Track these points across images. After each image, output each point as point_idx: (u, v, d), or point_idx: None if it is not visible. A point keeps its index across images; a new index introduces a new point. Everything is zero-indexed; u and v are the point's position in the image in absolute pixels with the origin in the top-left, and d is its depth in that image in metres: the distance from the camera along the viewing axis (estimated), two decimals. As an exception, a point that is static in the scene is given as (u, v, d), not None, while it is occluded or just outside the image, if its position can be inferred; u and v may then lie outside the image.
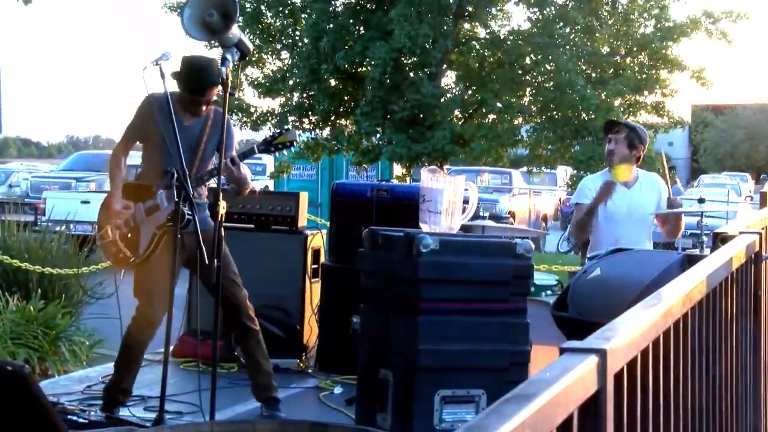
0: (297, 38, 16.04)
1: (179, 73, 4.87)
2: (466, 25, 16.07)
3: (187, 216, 4.64)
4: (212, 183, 5.16)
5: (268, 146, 4.94)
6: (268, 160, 23.88)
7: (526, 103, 15.91)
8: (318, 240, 6.79)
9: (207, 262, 4.46)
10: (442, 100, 15.24)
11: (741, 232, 3.29)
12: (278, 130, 5.00)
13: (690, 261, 4.10)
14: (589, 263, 4.98)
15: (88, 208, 12.27)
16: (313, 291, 6.64)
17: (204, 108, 4.93)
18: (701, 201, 5.87)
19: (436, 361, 4.22)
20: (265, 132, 16.26)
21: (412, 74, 15.19)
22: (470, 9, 15.46)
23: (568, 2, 15.25)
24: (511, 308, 4.38)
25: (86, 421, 4.70)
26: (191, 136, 4.87)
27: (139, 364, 5.06)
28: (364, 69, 15.40)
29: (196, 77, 4.79)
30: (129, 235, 4.91)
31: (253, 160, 33.76)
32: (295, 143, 5.08)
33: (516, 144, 15.90)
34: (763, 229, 3.59)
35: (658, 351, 1.91)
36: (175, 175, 4.71)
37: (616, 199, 5.62)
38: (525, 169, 18.39)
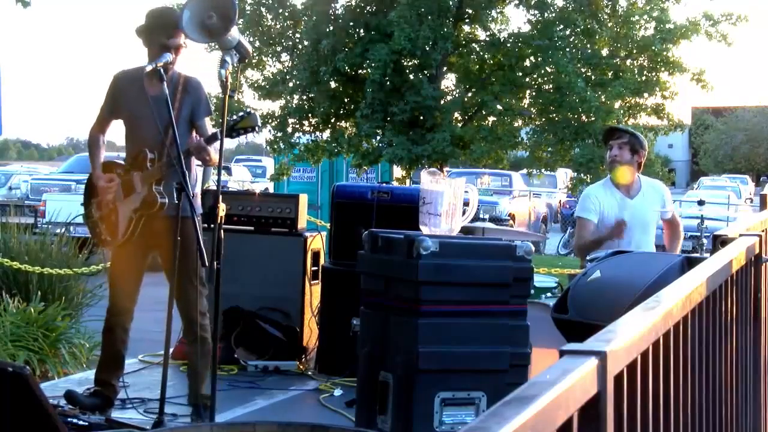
0: (297, 40, 16.03)
1: (144, 27, 4.86)
2: (466, 28, 16.06)
3: (159, 200, 4.65)
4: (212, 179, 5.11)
5: (230, 131, 4.79)
6: (268, 163, 23.90)
7: (526, 106, 15.90)
8: (318, 242, 6.79)
9: (207, 264, 4.45)
10: (442, 102, 15.24)
11: (741, 235, 3.29)
12: (240, 114, 4.85)
13: (690, 263, 4.10)
14: (589, 265, 4.98)
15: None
16: (313, 293, 6.65)
17: (173, 57, 4.84)
18: (701, 203, 5.88)
19: (436, 364, 4.22)
20: (266, 134, 16.28)
21: (412, 76, 15.19)
22: (470, 11, 15.46)
23: (568, 5, 15.25)
24: (511, 310, 4.38)
25: (86, 423, 4.70)
26: (160, 106, 4.70)
27: (113, 355, 5.03)
28: (364, 71, 15.39)
29: (159, 21, 4.78)
30: (109, 215, 4.92)
31: (253, 163, 33.58)
32: (257, 128, 4.96)
33: (516, 146, 15.89)
34: (763, 231, 3.59)
35: (658, 353, 1.91)
36: (149, 156, 4.72)
37: (618, 209, 5.63)
38: (525, 171, 18.38)
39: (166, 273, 4.85)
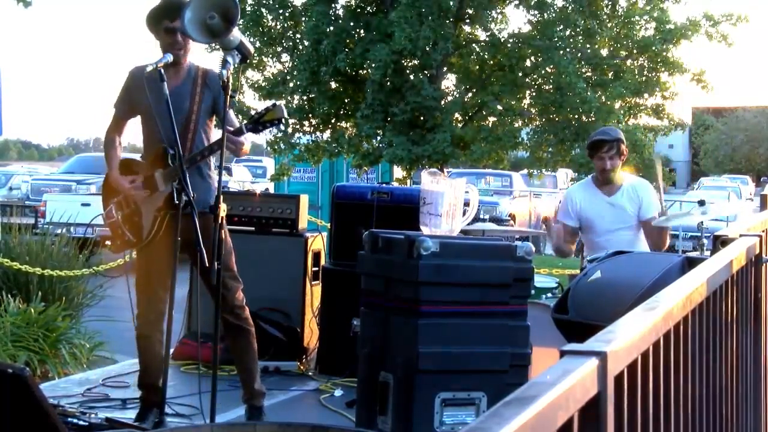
0: (297, 41, 16.05)
1: (149, 16, 4.80)
2: (467, 28, 16.08)
3: (184, 198, 4.59)
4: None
5: (256, 124, 4.77)
6: (269, 163, 23.90)
7: (526, 106, 15.92)
8: (318, 242, 6.79)
9: (207, 264, 4.44)
10: (443, 102, 15.25)
11: (741, 235, 3.29)
12: (265, 107, 4.81)
13: (690, 263, 4.10)
14: (590, 266, 4.98)
15: (89, 210, 12.31)
16: (314, 293, 6.65)
17: (185, 47, 4.80)
18: (701, 203, 5.87)
19: (436, 364, 4.21)
20: (266, 135, 16.29)
21: (412, 77, 15.20)
22: (470, 12, 15.47)
23: (568, 5, 15.26)
24: (511, 311, 4.38)
25: (86, 423, 4.70)
26: (180, 101, 4.71)
27: (154, 358, 4.89)
28: (364, 71, 15.40)
29: (163, 6, 4.75)
30: (131, 216, 4.83)
31: (254, 163, 33.37)
32: (283, 120, 4.88)
33: (516, 146, 15.90)
34: (763, 231, 3.60)
35: (658, 353, 1.91)
36: (169, 153, 4.67)
37: (598, 210, 5.68)
38: (525, 171, 18.38)
39: (197, 269, 4.75)
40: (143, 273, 4.89)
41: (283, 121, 4.96)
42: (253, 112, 4.75)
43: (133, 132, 5.10)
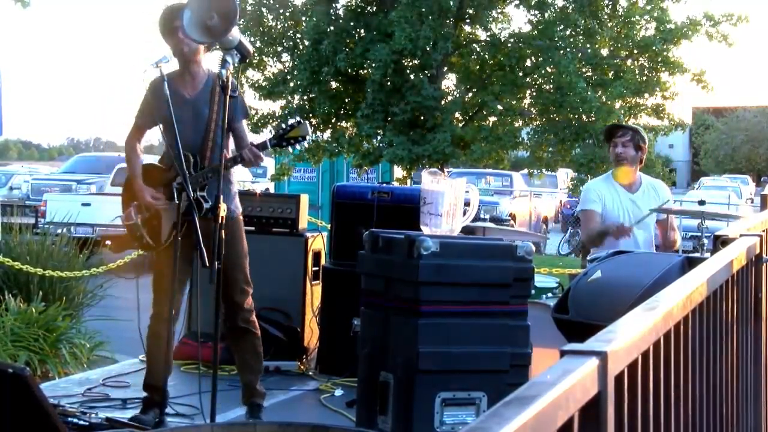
0: (298, 40, 16.04)
1: (162, 23, 4.82)
2: (467, 28, 16.06)
3: (205, 205, 4.61)
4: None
5: (280, 140, 4.84)
6: (269, 163, 23.92)
7: (526, 106, 15.90)
8: (318, 242, 6.79)
9: (207, 264, 4.45)
10: (443, 102, 15.24)
11: (742, 235, 3.29)
12: (290, 123, 4.88)
13: (690, 263, 4.10)
14: (590, 265, 4.98)
15: (89, 210, 12.32)
16: (314, 293, 6.65)
17: (197, 58, 4.85)
18: (702, 203, 5.87)
19: (436, 364, 4.22)
20: (266, 134, 16.28)
21: (412, 76, 15.18)
22: (471, 11, 15.46)
23: (568, 5, 15.24)
24: (511, 311, 4.38)
25: (87, 423, 4.70)
26: (197, 108, 4.80)
27: (161, 358, 4.92)
28: (364, 71, 15.40)
29: (161, 18, 4.79)
30: (150, 220, 4.87)
31: (254, 163, 33.19)
32: (307, 137, 4.97)
33: (516, 146, 15.89)
34: (763, 231, 3.59)
35: (658, 353, 1.91)
36: (191, 161, 4.69)
37: (620, 206, 5.64)
38: (526, 171, 18.37)
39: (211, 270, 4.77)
40: (162, 273, 4.88)
41: (308, 138, 5.01)
42: (279, 129, 4.83)
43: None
